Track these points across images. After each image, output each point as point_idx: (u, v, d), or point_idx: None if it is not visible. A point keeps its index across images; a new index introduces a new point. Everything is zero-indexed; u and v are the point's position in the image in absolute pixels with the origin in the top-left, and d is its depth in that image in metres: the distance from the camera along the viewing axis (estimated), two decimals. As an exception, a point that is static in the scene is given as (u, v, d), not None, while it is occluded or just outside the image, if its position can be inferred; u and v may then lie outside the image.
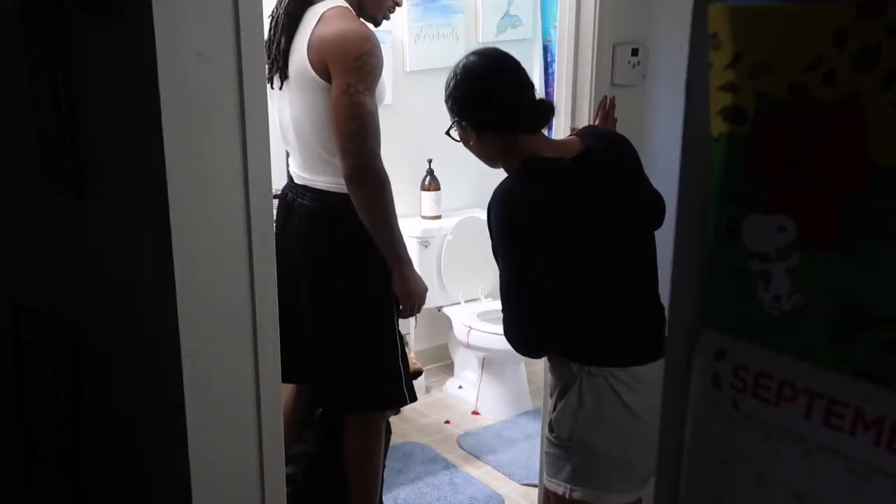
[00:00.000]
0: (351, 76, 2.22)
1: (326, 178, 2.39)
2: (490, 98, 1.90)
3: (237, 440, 1.88)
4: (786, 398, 0.65)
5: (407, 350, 4.00)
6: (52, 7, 1.88)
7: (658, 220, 2.05)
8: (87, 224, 2.05)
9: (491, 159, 1.98)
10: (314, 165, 2.41)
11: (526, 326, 1.87)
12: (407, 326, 4.00)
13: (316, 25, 2.30)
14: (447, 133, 1.99)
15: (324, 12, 2.31)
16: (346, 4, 2.35)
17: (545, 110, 1.93)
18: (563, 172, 1.88)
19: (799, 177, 0.63)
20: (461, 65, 1.93)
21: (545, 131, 2.04)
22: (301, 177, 2.46)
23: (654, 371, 1.85)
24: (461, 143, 2.00)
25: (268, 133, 1.81)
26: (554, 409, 1.94)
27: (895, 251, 0.58)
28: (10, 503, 2.56)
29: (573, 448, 1.90)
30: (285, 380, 2.64)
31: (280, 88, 2.42)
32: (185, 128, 1.66)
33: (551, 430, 1.94)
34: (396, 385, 2.52)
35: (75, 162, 1.96)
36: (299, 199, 2.46)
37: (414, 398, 2.59)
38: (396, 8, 2.47)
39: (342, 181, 2.34)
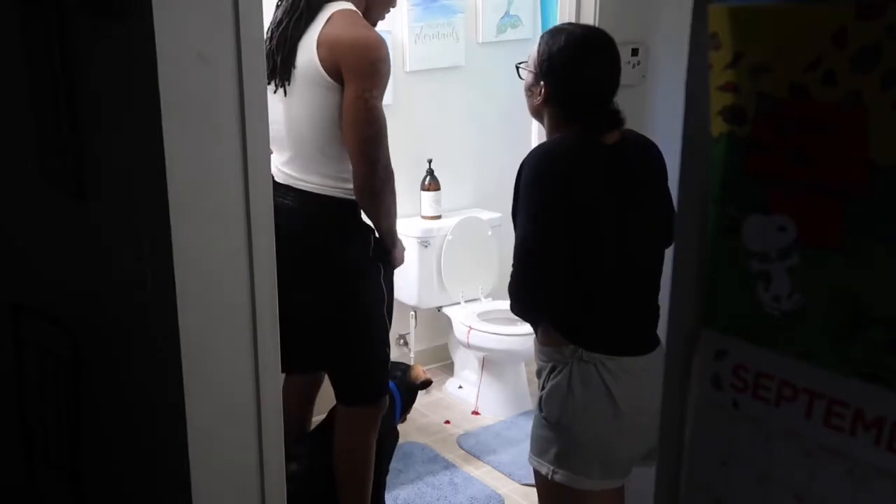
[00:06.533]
0: (366, 81, 2.24)
1: (313, 179, 2.38)
2: (581, 89, 1.96)
3: (237, 440, 1.88)
4: (786, 398, 0.65)
5: (410, 356, 3.97)
6: (53, 7, 1.88)
7: (671, 238, 2.05)
8: (87, 224, 2.05)
9: (539, 117, 2.04)
10: (304, 165, 2.39)
11: (533, 286, 1.92)
12: (407, 326, 4.00)
13: (325, 25, 2.28)
14: (517, 67, 2.06)
15: (333, 13, 2.30)
16: (353, 6, 2.35)
17: (613, 119, 1.97)
18: (600, 152, 1.94)
19: (799, 177, 0.63)
20: (585, 40, 1.95)
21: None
22: (286, 174, 2.43)
23: (639, 363, 1.94)
24: (523, 88, 2.06)
25: (268, 133, 1.81)
26: (542, 388, 1.99)
27: (895, 251, 0.58)
28: (10, 503, 2.56)
29: (560, 432, 1.96)
30: (290, 368, 2.64)
31: (281, 89, 2.38)
32: (185, 128, 1.66)
33: (540, 409, 2.00)
34: (385, 375, 2.60)
35: (75, 162, 1.96)
36: (281, 200, 2.38)
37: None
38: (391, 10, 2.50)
39: (330, 182, 2.36)
